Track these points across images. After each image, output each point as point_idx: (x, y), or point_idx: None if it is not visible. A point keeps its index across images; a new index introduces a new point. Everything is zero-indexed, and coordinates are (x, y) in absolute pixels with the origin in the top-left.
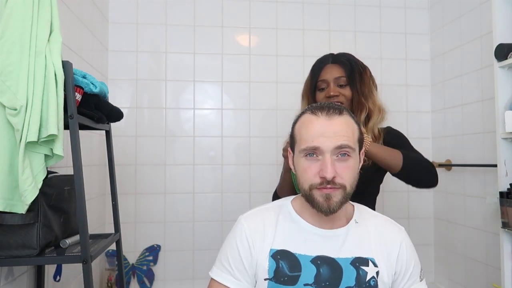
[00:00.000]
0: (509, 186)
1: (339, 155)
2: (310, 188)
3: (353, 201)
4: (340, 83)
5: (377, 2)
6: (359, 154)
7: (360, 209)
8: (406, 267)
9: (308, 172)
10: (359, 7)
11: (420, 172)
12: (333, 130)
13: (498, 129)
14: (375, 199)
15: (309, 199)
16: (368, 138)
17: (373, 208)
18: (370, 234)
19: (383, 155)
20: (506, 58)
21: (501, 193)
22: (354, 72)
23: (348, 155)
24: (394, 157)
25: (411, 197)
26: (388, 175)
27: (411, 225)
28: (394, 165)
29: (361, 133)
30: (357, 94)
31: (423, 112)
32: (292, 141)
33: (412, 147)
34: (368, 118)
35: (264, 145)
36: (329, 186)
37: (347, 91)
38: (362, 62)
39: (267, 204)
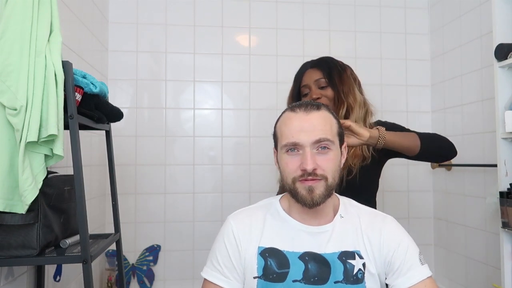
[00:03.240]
0: (509, 186)
1: (319, 148)
2: (293, 182)
3: (354, 198)
4: (321, 85)
5: (377, 2)
6: (340, 147)
7: (345, 203)
8: (398, 254)
9: (290, 166)
10: (359, 7)
11: (439, 144)
12: (311, 125)
13: (498, 129)
14: (376, 194)
15: (293, 193)
16: (382, 129)
17: (374, 204)
18: (356, 227)
19: (400, 140)
20: (506, 58)
21: (501, 193)
22: (333, 73)
23: (328, 148)
24: (410, 139)
25: (411, 197)
26: (387, 173)
27: (411, 225)
28: (413, 147)
29: (340, 128)
30: (337, 93)
31: (423, 112)
32: (275, 139)
33: (409, 129)
34: (348, 114)
35: (264, 145)
36: (310, 177)
37: (328, 92)
38: (342, 62)
39: (256, 204)
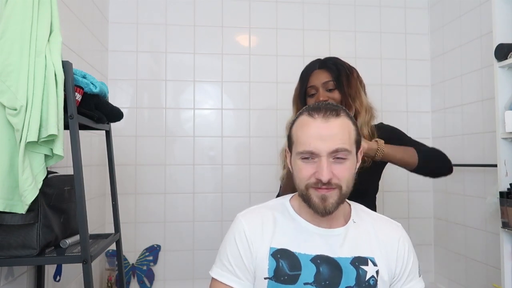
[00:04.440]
0: (509, 186)
1: (336, 158)
2: (306, 188)
3: (354, 201)
4: (328, 87)
5: (377, 2)
6: (356, 154)
7: (357, 209)
8: (406, 264)
9: (304, 173)
10: (359, 7)
11: (437, 162)
12: (330, 134)
13: (498, 129)
14: (375, 197)
15: (306, 199)
16: (381, 141)
17: (374, 206)
18: (369, 234)
19: (398, 155)
20: (506, 58)
21: (501, 193)
22: (341, 75)
23: (345, 157)
24: (408, 154)
25: (411, 197)
26: (387, 173)
27: (411, 225)
28: (411, 162)
29: (358, 134)
30: (344, 97)
31: (423, 112)
32: (289, 142)
33: (410, 138)
34: (355, 118)
35: (264, 145)
36: (324, 186)
37: (336, 95)
38: (348, 64)
39: (265, 203)
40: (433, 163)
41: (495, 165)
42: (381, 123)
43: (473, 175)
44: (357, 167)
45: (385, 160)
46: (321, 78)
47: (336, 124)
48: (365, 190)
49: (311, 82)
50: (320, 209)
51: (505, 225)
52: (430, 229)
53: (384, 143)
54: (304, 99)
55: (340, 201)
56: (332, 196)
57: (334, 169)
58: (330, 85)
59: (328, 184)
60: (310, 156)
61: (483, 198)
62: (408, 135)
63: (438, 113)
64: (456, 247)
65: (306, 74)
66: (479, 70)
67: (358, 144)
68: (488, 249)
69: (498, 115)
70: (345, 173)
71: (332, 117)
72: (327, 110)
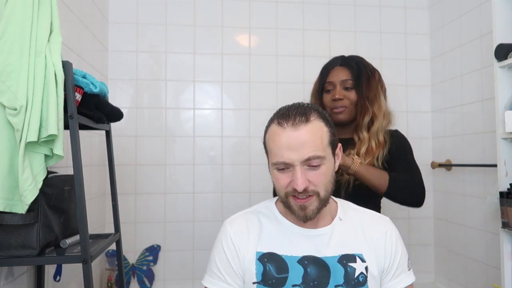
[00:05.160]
0: (509, 186)
1: (310, 165)
2: (285, 196)
3: (361, 204)
4: (346, 85)
5: (377, 2)
6: (333, 155)
7: (344, 206)
8: (394, 257)
9: (281, 182)
10: (359, 7)
11: (404, 195)
12: (300, 142)
13: (498, 129)
14: (380, 200)
15: (287, 206)
16: (357, 160)
17: (379, 207)
18: (356, 230)
19: (370, 177)
20: (506, 58)
21: (501, 193)
22: (361, 76)
23: (319, 163)
24: (380, 180)
25: None
26: None
27: (411, 225)
28: (379, 188)
29: (333, 134)
30: (362, 98)
31: (423, 112)
32: (265, 149)
33: (412, 160)
34: (371, 122)
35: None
36: (301, 195)
37: (352, 94)
38: (372, 66)
39: (251, 208)
40: (400, 195)
41: (495, 165)
42: (396, 131)
43: (473, 175)
44: (337, 164)
45: (358, 179)
46: (340, 75)
47: (306, 131)
48: (370, 192)
49: (329, 78)
50: (301, 216)
51: (505, 225)
52: (430, 229)
53: (388, 153)
54: (321, 94)
55: (321, 206)
56: (312, 204)
57: (309, 176)
58: (348, 83)
59: (305, 192)
60: (284, 166)
61: (483, 198)
62: (408, 135)
63: (438, 113)
64: (456, 247)
65: (326, 70)
66: (479, 70)
67: (333, 144)
68: (488, 249)
69: (498, 115)
70: (321, 178)
71: (301, 124)
72: (296, 116)
